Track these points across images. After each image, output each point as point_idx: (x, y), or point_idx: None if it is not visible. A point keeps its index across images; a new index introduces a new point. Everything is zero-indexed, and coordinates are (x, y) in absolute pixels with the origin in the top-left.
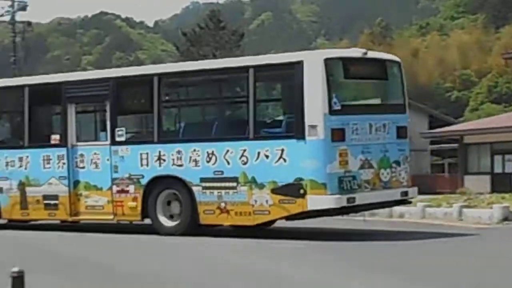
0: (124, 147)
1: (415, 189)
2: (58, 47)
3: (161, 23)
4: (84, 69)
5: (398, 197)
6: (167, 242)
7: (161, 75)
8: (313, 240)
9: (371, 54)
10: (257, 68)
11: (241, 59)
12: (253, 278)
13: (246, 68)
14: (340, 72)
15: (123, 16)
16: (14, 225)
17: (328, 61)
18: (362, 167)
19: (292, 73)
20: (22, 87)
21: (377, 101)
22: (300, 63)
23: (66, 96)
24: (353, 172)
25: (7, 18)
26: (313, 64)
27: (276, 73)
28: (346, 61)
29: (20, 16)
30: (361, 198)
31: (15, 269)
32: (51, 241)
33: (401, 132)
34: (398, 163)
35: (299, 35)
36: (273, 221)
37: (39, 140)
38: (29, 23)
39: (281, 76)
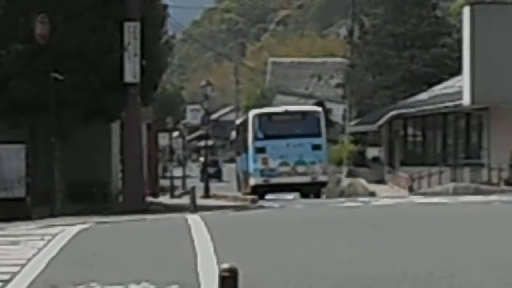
0: None
1: (326, 176)
2: None
3: None
4: None
5: (309, 180)
6: None
7: None
8: None
9: (293, 108)
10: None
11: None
12: None
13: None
14: (266, 119)
15: None
16: None
17: (256, 115)
18: (281, 165)
19: (248, 122)
20: None
21: (296, 131)
22: (248, 117)
23: None
24: (273, 167)
25: None
26: (250, 117)
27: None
28: (271, 114)
29: None
30: (275, 180)
31: None
32: None
33: (316, 147)
34: (313, 163)
35: None
36: None
37: None
38: None
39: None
